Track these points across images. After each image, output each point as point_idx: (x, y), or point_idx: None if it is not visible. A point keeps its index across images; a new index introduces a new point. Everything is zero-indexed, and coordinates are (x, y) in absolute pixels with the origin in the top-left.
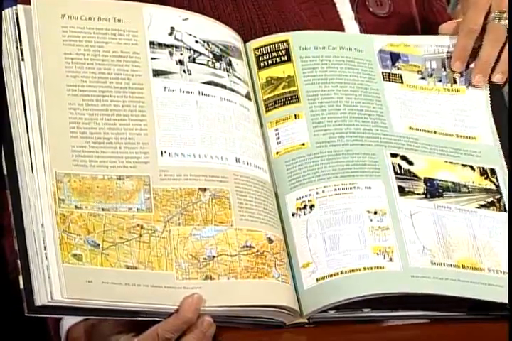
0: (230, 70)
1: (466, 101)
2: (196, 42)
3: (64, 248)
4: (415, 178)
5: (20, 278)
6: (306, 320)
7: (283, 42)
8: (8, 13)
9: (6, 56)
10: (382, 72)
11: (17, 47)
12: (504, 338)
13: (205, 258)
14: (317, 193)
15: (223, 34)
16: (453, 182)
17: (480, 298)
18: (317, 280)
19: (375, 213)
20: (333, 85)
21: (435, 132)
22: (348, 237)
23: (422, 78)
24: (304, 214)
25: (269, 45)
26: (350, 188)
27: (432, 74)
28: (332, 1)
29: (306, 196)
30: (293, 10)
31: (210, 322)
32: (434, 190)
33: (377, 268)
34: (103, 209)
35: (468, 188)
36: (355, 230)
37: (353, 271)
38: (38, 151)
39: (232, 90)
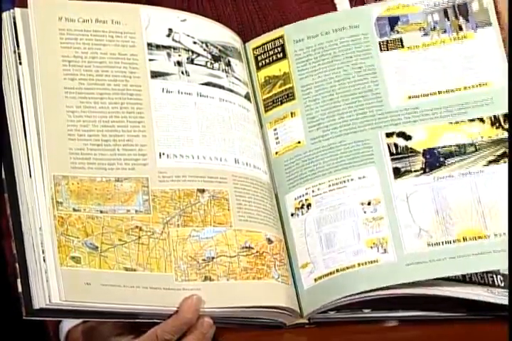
0: (229, 71)
1: (476, 46)
2: (194, 43)
3: (62, 251)
4: (413, 154)
5: (19, 281)
6: (307, 321)
7: (278, 38)
8: (5, 16)
9: (3, 60)
10: (380, 42)
11: (14, 51)
12: (504, 338)
13: (204, 260)
14: (313, 191)
15: (222, 35)
16: (457, 145)
17: (483, 269)
18: (315, 280)
19: (369, 204)
20: (326, 74)
21: (438, 92)
22: (342, 234)
23: (425, 34)
24: (302, 213)
25: (266, 43)
26: (344, 182)
27: (435, 28)
28: (332, 1)
29: (303, 195)
30: (293, 10)
31: (210, 323)
32: (434, 160)
33: (372, 262)
34: (101, 212)
35: (475, 146)
36: (349, 225)
37: (347, 268)
38: (36, 154)
39: (231, 91)
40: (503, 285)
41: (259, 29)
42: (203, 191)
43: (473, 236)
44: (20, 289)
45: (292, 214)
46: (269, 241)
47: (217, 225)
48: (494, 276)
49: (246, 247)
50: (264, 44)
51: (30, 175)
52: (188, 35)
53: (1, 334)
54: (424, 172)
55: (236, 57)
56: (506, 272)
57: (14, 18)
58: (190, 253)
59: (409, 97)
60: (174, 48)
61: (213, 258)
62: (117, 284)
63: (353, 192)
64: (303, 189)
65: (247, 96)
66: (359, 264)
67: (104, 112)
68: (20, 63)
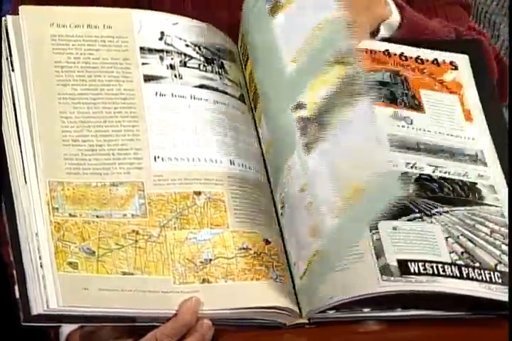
0: (223, 73)
1: None
2: (187, 46)
3: (59, 256)
4: (309, 121)
5: (16, 287)
6: (307, 321)
7: (242, 37)
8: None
9: None
10: (269, 8)
11: (7, 59)
12: (504, 338)
13: (201, 262)
14: (282, 188)
15: (214, 37)
16: (325, 98)
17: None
18: (300, 278)
19: (303, 191)
20: (260, 60)
21: (306, 42)
22: (300, 228)
23: None
24: (284, 212)
25: (241, 42)
26: (289, 170)
27: None
28: None
29: (281, 194)
30: None
31: (209, 325)
32: (321, 118)
33: (314, 254)
34: (97, 217)
35: (336, 92)
36: (301, 218)
37: (309, 264)
38: (31, 161)
39: (225, 93)
40: (500, 281)
41: None
42: (199, 193)
43: (357, 190)
44: (17, 295)
45: (281, 214)
46: (267, 241)
47: (214, 227)
48: (491, 273)
49: (243, 248)
50: (241, 43)
51: (26, 182)
52: (181, 38)
53: (2, 336)
54: (318, 139)
55: (229, 58)
56: (504, 269)
57: (6, 26)
58: (187, 255)
59: (293, 60)
60: (167, 51)
61: (211, 260)
62: (115, 288)
63: (294, 181)
64: (279, 187)
65: (241, 98)
66: (314, 254)
67: (98, 117)
68: (13, 70)
